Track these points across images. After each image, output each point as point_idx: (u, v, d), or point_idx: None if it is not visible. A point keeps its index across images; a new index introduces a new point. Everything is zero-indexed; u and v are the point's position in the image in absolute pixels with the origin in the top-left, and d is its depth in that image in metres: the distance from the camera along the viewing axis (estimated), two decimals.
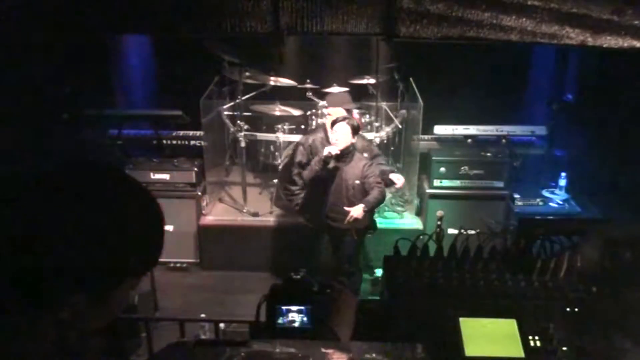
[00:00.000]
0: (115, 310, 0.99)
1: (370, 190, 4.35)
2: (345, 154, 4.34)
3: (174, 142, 6.12)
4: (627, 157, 4.76)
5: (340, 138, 4.27)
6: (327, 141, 4.54)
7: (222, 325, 3.95)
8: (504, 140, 5.84)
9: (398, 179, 4.50)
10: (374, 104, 5.89)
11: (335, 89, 5.82)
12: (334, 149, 4.27)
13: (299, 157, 4.65)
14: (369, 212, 4.44)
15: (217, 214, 5.85)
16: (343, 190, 4.39)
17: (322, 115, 5.77)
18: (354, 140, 4.35)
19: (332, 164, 4.37)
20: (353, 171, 4.36)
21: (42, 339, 0.88)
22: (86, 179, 0.93)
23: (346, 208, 4.30)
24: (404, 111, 6.06)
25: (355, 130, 4.32)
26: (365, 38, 5.58)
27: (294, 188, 4.76)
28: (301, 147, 4.67)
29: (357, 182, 4.34)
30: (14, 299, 0.84)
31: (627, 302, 1.92)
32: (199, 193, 5.66)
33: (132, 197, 1.00)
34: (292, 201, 4.85)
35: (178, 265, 5.70)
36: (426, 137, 5.98)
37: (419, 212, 5.87)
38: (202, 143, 5.92)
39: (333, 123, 4.36)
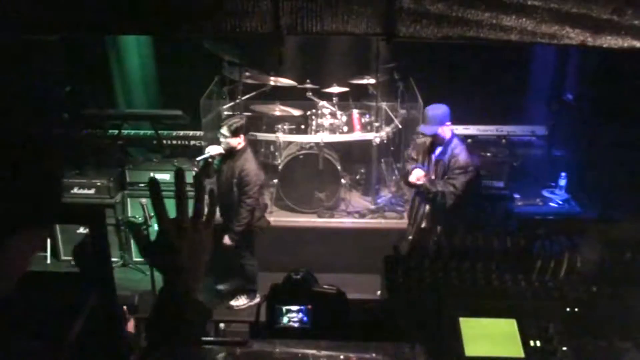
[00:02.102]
0: (14, 269, 0.89)
1: (240, 197, 4.57)
2: (231, 154, 4.57)
3: (174, 142, 6.11)
4: (626, 157, 4.76)
5: (223, 140, 4.53)
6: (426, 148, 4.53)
7: (222, 325, 3.96)
8: (504, 140, 5.84)
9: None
10: (374, 104, 5.89)
11: (335, 89, 5.82)
12: (213, 150, 4.56)
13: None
14: (241, 233, 4.68)
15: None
16: (225, 188, 4.62)
17: (322, 115, 5.78)
18: (240, 140, 4.56)
19: (213, 164, 4.65)
20: (233, 170, 4.58)
21: None
22: None
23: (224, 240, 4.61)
24: (404, 111, 6.06)
25: (235, 131, 4.49)
26: (365, 38, 5.58)
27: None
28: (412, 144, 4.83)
29: (235, 180, 4.57)
30: None
31: (627, 302, 1.92)
32: None
33: (29, 144, 0.89)
34: None
35: None
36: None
37: None
38: (202, 143, 5.92)
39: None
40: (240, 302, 5.10)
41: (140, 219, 5.43)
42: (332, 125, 5.73)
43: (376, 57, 5.63)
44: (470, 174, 4.23)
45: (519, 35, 1.75)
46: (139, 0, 1.82)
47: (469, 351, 1.76)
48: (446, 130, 4.28)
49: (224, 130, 4.51)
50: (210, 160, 4.60)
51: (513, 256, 2.14)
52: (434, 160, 4.41)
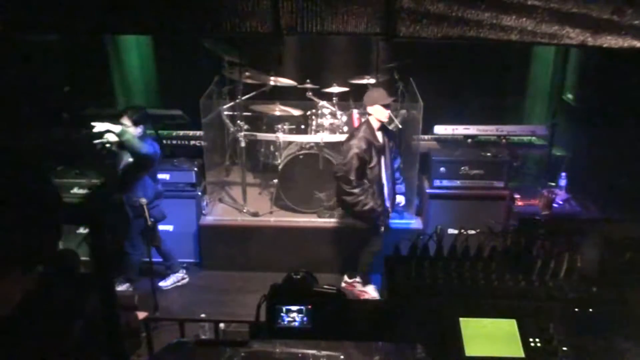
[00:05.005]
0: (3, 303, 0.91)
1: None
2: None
3: (174, 142, 6.11)
4: (626, 157, 4.76)
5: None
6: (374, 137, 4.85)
7: (222, 325, 3.95)
8: (504, 140, 5.84)
9: None
10: None
11: (335, 89, 5.82)
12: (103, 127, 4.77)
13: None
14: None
15: (217, 214, 5.84)
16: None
17: (322, 115, 5.78)
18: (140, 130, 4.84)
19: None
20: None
21: None
22: None
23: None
24: (404, 111, 6.06)
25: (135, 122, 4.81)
26: (365, 38, 5.58)
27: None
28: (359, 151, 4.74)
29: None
30: None
31: (627, 302, 1.92)
32: (199, 193, 5.66)
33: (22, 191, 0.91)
34: None
35: None
36: (426, 137, 5.97)
37: (419, 212, 5.87)
38: (202, 143, 5.91)
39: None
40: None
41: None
42: (332, 125, 5.73)
43: (376, 57, 5.63)
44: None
45: (519, 35, 1.75)
46: (138, 0, 1.82)
47: (469, 351, 1.76)
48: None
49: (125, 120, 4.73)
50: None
51: (513, 256, 2.14)
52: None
